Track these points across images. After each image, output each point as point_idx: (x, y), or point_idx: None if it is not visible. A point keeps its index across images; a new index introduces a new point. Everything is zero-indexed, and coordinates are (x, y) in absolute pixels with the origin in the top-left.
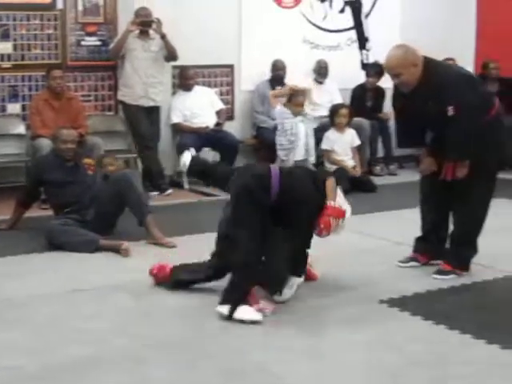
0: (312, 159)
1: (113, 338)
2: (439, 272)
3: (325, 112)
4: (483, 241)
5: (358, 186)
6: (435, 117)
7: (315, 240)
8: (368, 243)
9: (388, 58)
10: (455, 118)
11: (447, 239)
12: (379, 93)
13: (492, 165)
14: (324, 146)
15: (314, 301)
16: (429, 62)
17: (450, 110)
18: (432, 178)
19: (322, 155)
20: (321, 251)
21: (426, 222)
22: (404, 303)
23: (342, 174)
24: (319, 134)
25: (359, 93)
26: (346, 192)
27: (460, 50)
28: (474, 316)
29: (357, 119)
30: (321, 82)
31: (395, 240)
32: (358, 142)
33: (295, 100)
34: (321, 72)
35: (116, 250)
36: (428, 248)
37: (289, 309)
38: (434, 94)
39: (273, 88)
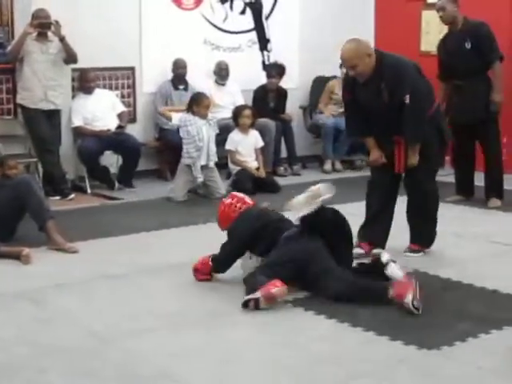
0: (212, 164)
1: (12, 347)
2: (411, 250)
3: (227, 114)
4: (396, 240)
5: (261, 186)
6: (389, 105)
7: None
8: None
9: (343, 52)
10: (408, 105)
11: (389, 230)
12: (281, 93)
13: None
14: (228, 146)
15: (219, 301)
16: (380, 53)
17: (407, 98)
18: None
19: (225, 156)
20: None
21: (371, 208)
22: (308, 302)
23: (243, 176)
24: (222, 135)
25: (261, 94)
26: (249, 193)
27: None
28: (377, 313)
29: (262, 120)
30: (222, 84)
31: None
32: (261, 143)
33: (202, 102)
34: (221, 74)
35: (16, 257)
36: (372, 236)
37: (194, 310)
38: (389, 83)
39: (175, 87)
